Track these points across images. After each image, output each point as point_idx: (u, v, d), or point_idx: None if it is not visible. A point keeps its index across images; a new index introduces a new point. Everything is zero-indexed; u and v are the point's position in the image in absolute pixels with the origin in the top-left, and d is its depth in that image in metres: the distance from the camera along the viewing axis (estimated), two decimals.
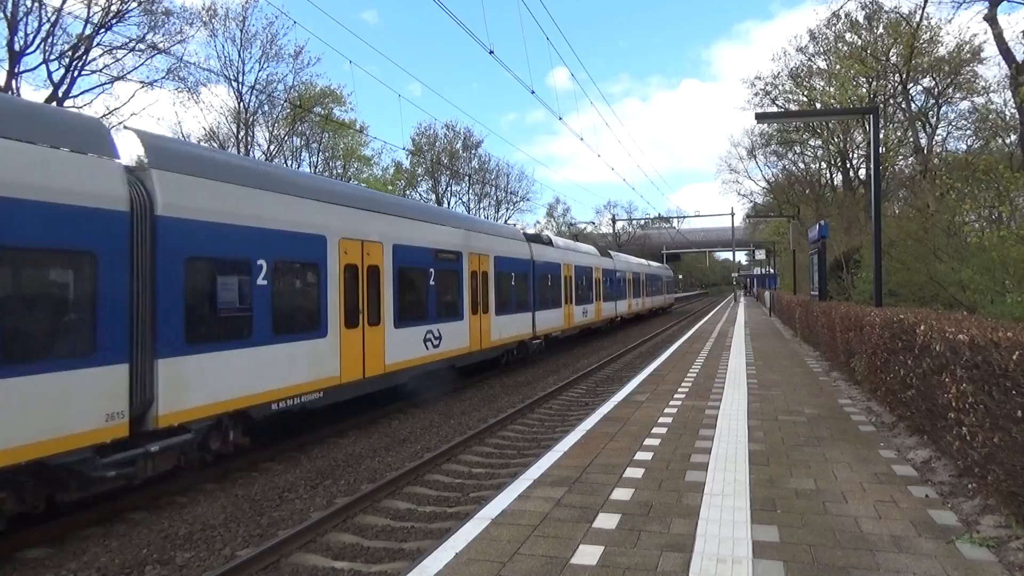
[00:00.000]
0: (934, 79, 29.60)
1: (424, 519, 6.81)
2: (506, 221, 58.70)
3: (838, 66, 30.64)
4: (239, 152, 33.03)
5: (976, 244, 14.04)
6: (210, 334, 7.52)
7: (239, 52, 33.72)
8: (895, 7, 27.88)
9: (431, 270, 12.77)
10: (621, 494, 5.12)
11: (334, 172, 43.24)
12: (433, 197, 56.39)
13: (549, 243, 21.80)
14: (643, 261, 43.12)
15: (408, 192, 54.34)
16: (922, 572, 3.64)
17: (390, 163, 52.95)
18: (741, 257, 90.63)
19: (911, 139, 29.02)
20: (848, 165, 36.86)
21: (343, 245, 9.97)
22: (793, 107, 35.03)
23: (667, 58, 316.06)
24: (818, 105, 32.69)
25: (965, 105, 30.11)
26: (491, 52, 17.47)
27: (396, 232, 11.63)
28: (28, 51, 22.83)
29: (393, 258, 11.35)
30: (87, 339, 6.04)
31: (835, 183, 40.82)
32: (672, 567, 3.78)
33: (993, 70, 43.75)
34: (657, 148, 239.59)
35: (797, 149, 41.19)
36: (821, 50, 33.16)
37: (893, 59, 28.16)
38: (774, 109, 34.78)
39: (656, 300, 44.06)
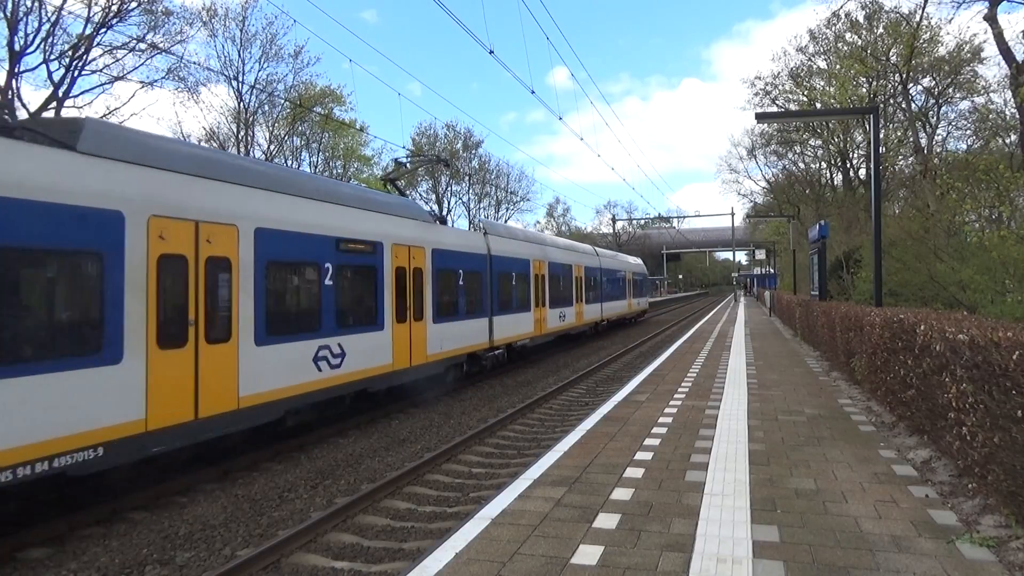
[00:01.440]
0: (934, 79, 29.62)
1: (424, 519, 6.81)
2: (506, 221, 58.76)
3: (838, 66, 30.66)
4: (239, 152, 33.05)
5: (976, 244, 14.06)
6: None
7: (239, 52, 33.79)
8: (895, 7, 27.98)
9: None
10: (621, 494, 5.12)
11: (334, 172, 43.27)
12: (433, 197, 56.44)
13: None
14: (587, 248, 28.32)
15: (408, 192, 54.34)
16: (922, 572, 3.64)
17: (390, 163, 52.98)
18: (741, 257, 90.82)
19: (911, 139, 29.03)
20: (848, 165, 36.88)
21: None
22: (793, 107, 35.04)
23: (667, 58, 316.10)
24: (818, 105, 32.70)
25: (965, 105, 30.17)
26: (491, 52, 17.48)
27: None
28: (28, 51, 22.86)
29: None
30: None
31: (835, 183, 40.83)
32: (672, 567, 3.78)
33: (993, 70, 43.88)
34: (657, 148, 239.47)
35: (797, 149, 41.23)
36: (821, 50, 33.22)
37: (893, 59, 28.17)
38: (774, 109, 34.80)
39: (615, 307, 29.77)
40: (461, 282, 14.15)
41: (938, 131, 31.51)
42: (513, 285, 17.35)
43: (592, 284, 25.68)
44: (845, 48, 30.91)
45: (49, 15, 22.92)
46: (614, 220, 79.38)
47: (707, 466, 5.82)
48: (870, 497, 4.91)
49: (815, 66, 33.99)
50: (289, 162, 38.99)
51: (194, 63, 30.03)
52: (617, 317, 30.80)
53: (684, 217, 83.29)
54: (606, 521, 4.54)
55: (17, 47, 22.31)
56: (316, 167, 41.46)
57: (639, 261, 40.46)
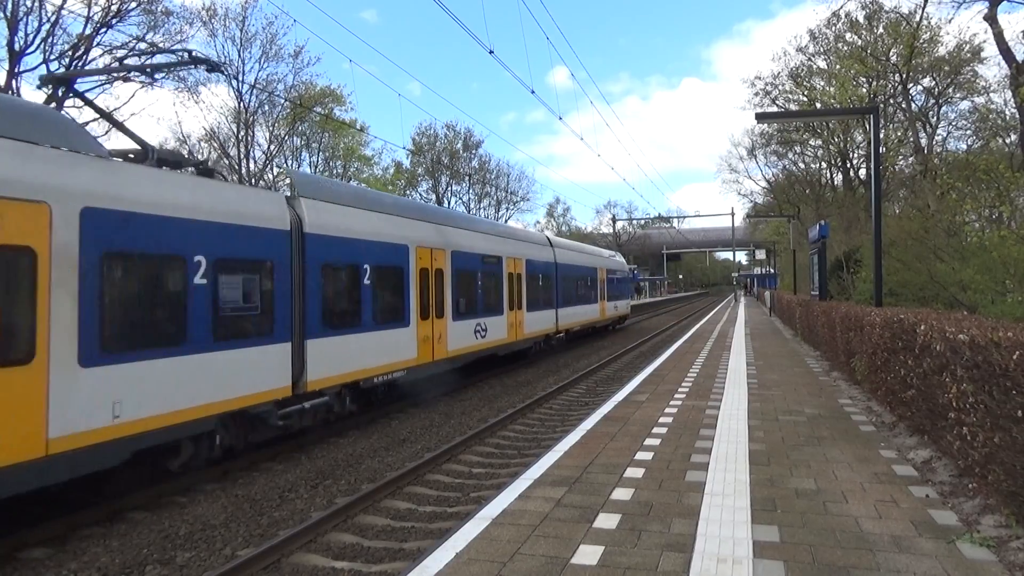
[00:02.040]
0: (934, 79, 29.63)
1: (424, 519, 6.81)
2: (506, 221, 58.79)
3: (838, 66, 30.68)
4: (239, 152, 33.08)
5: (976, 244, 14.07)
6: None
7: (239, 52, 33.79)
8: (895, 7, 27.96)
9: None
10: (621, 494, 5.12)
11: (334, 172, 43.30)
12: (434, 197, 56.45)
13: None
14: (535, 236, 22.00)
15: (408, 192, 54.36)
16: (922, 572, 3.64)
17: (390, 163, 53.03)
18: (741, 257, 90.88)
19: (911, 139, 29.04)
20: (848, 165, 36.90)
21: None
22: (793, 107, 35.07)
23: (667, 57, 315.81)
24: (818, 105, 32.72)
25: (965, 105, 30.19)
26: (491, 52, 17.49)
27: None
28: (28, 51, 22.86)
29: None
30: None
31: (835, 183, 40.87)
32: (672, 567, 3.78)
33: (993, 70, 43.81)
34: (657, 147, 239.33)
35: (797, 149, 41.27)
36: (821, 50, 33.24)
37: (893, 59, 28.19)
38: (774, 109, 34.81)
39: (579, 313, 23.12)
40: (200, 279, 7.65)
41: (938, 131, 31.56)
42: (366, 286, 10.77)
43: (541, 284, 19.00)
44: (845, 48, 30.94)
45: (49, 15, 22.94)
46: (614, 220, 79.36)
47: (707, 466, 5.82)
48: (870, 497, 4.91)
49: (815, 66, 34.05)
50: (290, 162, 39.01)
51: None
52: (583, 326, 24.02)
53: (684, 217, 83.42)
54: (606, 521, 4.54)
55: (17, 47, 22.32)
56: (316, 167, 41.50)
57: (616, 255, 33.47)
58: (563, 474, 5.69)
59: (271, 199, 9.22)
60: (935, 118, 31.01)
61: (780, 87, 36.39)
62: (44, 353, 5.94)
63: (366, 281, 10.87)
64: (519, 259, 17.61)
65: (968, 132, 30.51)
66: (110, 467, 6.61)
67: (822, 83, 33.56)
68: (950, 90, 29.85)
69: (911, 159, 29.79)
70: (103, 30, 24.49)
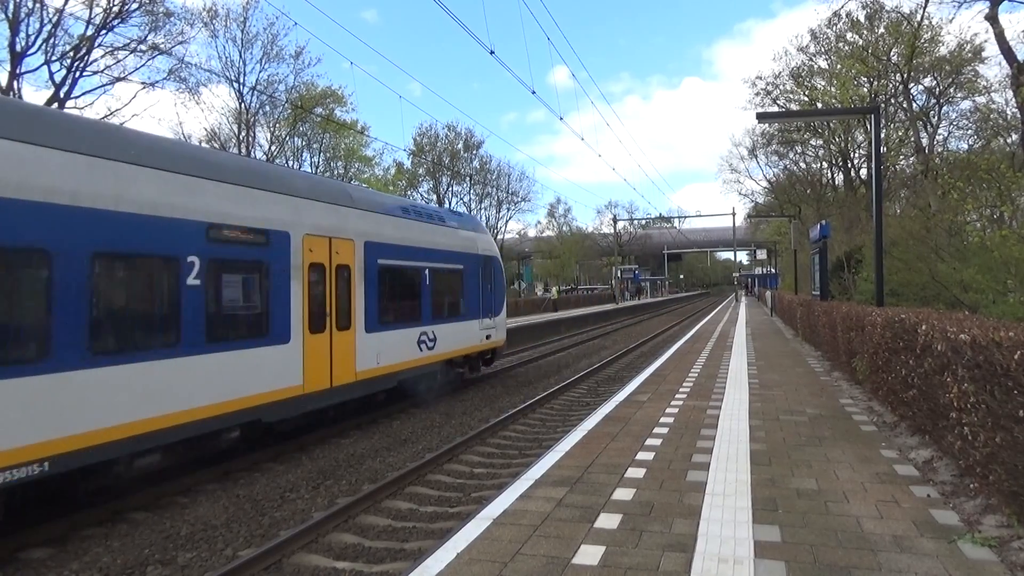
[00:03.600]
0: (935, 78, 29.60)
1: (425, 519, 6.81)
2: (507, 221, 58.80)
3: (839, 66, 30.67)
4: (239, 152, 33.06)
5: (978, 244, 14.05)
6: None
7: (240, 53, 33.84)
8: (896, 7, 27.89)
9: None
10: (622, 494, 5.12)
11: (335, 172, 43.29)
12: (434, 197, 56.46)
13: None
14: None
15: (409, 192, 54.34)
16: (924, 572, 3.63)
17: (391, 163, 53.03)
18: (742, 257, 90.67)
19: (912, 139, 29.02)
20: (849, 165, 36.90)
21: None
22: (794, 107, 35.07)
23: (668, 57, 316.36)
24: (819, 105, 32.71)
25: (966, 104, 30.14)
26: (492, 52, 17.48)
27: None
28: (30, 52, 22.94)
29: None
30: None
31: (836, 183, 40.85)
32: (673, 567, 3.78)
33: (994, 69, 43.75)
34: (658, 147, 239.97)
35: (798, 149, 41.27)
36: (822, 50, 33.25)
37: (894, 59, 28.16)
38: (775, 109, 34.80)
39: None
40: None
41: (939, 131, 31.53)
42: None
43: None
44: (846, 48, 30.93)
45: (50, 16, 22.98)
46: (615, 220, 79.14)
47: (708, 466, 5.82)
48: (871, 497, 4.90)
49: (816, 66, 34.06)
50: (290, 163, 39.01)
51: (195, 64, 30.08)
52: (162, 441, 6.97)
53: (685, 217, 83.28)
54: (607, 521, 4.54)
55: (19, 48, 22.38)
56: (317, 167, 41.52)
57: (455, 217, 14.70)
58: (564, 474, 5.69)
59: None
60: (936, 118, 31.00)
61: (781, 87, 36.44)
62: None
63: None
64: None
65: (969, 132, 30.52)
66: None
67: (823, 83, 33.58)
68: (951, 90, 29.83)
69: (912, 159, 29.79)
70: (104, 32, 24.54)
